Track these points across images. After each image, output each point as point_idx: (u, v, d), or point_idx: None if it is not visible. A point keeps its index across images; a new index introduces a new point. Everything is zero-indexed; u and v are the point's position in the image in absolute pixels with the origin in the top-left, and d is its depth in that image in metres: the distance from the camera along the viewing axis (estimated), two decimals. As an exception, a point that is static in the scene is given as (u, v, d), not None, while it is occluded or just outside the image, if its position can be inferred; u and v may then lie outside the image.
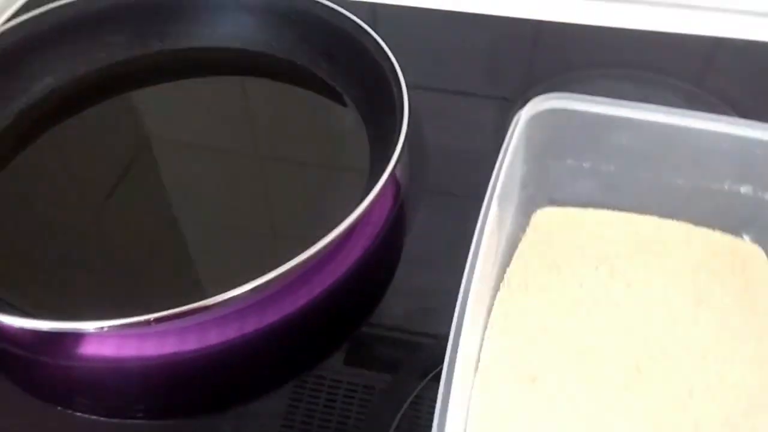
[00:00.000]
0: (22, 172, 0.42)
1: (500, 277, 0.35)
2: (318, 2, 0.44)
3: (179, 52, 0.48)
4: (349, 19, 0.43)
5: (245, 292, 0.30)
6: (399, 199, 0.41)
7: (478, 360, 0.31)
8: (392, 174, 0.35)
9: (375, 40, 0.41)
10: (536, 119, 0.34)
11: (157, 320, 0.29)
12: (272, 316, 0.35)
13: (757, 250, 0.35)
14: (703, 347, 0.31)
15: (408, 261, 0.39)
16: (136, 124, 0.46)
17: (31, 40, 0.44)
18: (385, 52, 0.40)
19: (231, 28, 0.47)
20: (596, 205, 0.38)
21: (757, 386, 0.29)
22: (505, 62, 0.50)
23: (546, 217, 0.38)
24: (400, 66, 0.39)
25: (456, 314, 0.28)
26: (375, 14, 0.53)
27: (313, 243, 0.31)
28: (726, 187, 0.35)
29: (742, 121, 0.33)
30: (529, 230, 0.37)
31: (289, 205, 0.40)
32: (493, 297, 0.34)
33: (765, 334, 0.31)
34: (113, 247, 0.39)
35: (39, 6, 0.45)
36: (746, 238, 0.35)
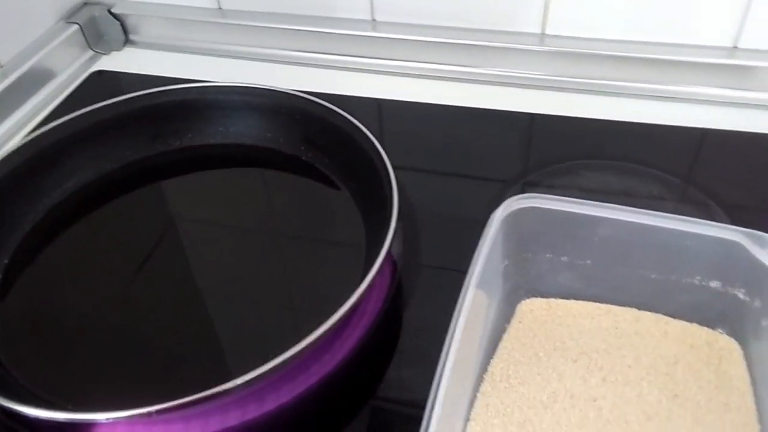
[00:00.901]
0: (51, 261, 0.46)
1: (484, 368, 0.36)
2: (318, 102, 0.48)
3: (196, 148, 0.52)
4: (343, 116, 0.47)
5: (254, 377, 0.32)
6: (396, 275, 0.43)
7: (459, 452, 0.33)
8: (389, 252, 0.37)
9: (365, 134, 0.45)
10: (512, 217, 0.37)
11: (159, 412, 0.32)
12: (280, 398, 0.37)
13: (732, 344, 0.36)
14: (674, 442, 0.32)
15: (409, 331, 0.40)
16: (160, 213, 0.50)
17: (61, 143, 0.48)
18: (373, 143, 0.44)
19: (242, 128, 0.52)
20: (578, 296, 0.40)
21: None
22: (499, 152, 0.53)
23: (529, 307, 0.40)
24: (392, 154, 0.43)
25: (429, 403, 0.29)
26: (380, 110, 0.57)
27: (323, 321, 0.34)
28: (696, 282, 0.36)
29: (706, 222, 0.35)
30: (513, 320, 0.39)
31: (298, 282, 0.43)
32: (476, 387, 0.35)
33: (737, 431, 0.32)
34: (123, 338, 0.42)
35: (68, 112, 0.49)
36: (721, 331, 0.37)
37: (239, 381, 0.33)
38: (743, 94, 0.54)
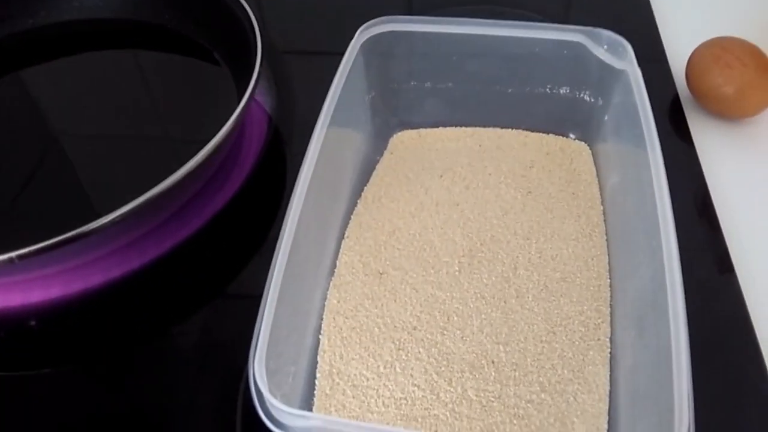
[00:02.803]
0: None
1: (358, 196, 0.38)
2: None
3: (51, 27, 0.49)
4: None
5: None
6: (271, 127, 0.43)
7: (334, 266, 0.34)
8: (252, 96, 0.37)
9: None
10: (370, 44, 0.37)
11: (21, 257, 0.31)
12: (159, 248, 0.37)
13: (582, 146, 0.39)
14: (528, 229, 0.35)
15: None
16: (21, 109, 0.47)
17: None
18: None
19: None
20: (446, 123, 0.41)
21: (571, 257, 0.33)
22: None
23: (400, 139, 0.41)
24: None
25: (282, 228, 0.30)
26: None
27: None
28: (548, 90, 0.38)
29: (550, 25, 0.36)
30: (385, 153, 0.40)
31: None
32: (351, 210, 0.37)
33: (583, 214, 0.35)
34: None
35: None
36: (573, 137, 0.39)
37: (103, 220, 0.32)
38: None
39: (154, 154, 0.43)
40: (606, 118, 0.37)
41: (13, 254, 0.31)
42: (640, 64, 0.34)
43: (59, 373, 0.34)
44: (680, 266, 0.26)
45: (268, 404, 0.24)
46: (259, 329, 0.26)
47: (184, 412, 0.31)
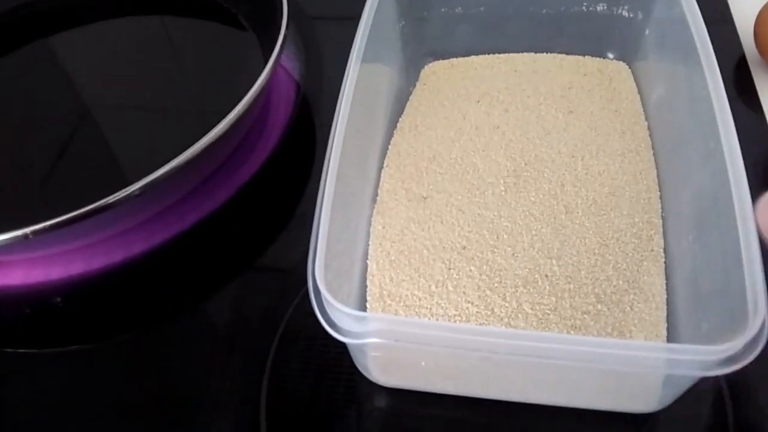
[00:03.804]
0: None
1: (394, 127, 0.37)
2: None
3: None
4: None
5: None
6: (299, 94, 0.42)
7: (376, 194, 0.34)
8: (277, 63, 0.35)
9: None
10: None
11: (36, 233, 0.29)
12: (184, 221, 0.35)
13: (621, 65, 0.38)
14: (572, 147, 0.34)
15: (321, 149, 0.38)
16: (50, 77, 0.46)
17: None
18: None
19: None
20: (478, 51, 0.40)
21: (619, 172, 0.33)
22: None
23: (432, 70, 0.40)
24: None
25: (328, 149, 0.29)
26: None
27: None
28: (584, 8, 0.37)
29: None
30: (418, 84, 0.40)
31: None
32: (387, 142, 0.36)
33: (627, 131, 0.34)
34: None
35: None
36: (611, 56, 0.38)
37: (123, 193, 0.30)
38: None
39: (179, 122, 0.42)
40: (647, 32, 0.36)
41: (27, 230, 0.29)
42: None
43: (87, 350, 0.33)
44: (741, 159, 0.25)
45: (328, 308, 0.23)
46: (315, 243, 0.25)
47: (211, 391, 0.30)
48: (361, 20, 0.33)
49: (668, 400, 0.26)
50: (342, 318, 0.23)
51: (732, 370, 0.21)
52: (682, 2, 0.32)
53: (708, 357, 0.21)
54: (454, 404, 0.28)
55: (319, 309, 0.24)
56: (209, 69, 0.44)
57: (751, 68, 0.40)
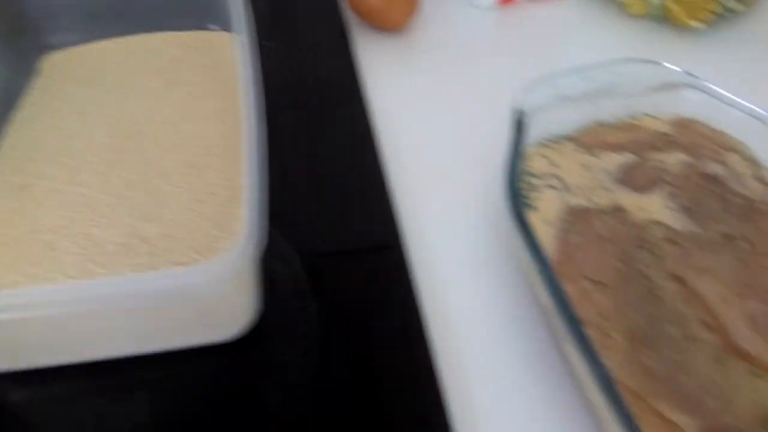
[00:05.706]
0: None
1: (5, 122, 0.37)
2: None
3: None
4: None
5: None
6: None
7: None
8: None
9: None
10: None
11: None
12: None
13: (225, 36, 0.42)
14: (170, 115, 0.37)
15: None
16: None
17: None
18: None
19: None
20: (96, 39, 0.41)
21: (213, 135, 0.36)
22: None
23: (51, 62, 0.41)
24: None
25: None
26: None
27: None
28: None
29: None
30: (34, 77, 0.40)
31: None
32: (-3, 139, 0.36)
33: (224, 96, 0.38)
34: None
35: None
36: (214, 28, 0.42)
37: None
38: None
39: None
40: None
41: None
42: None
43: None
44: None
45: None
46: None
47: None
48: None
49: (241, 326, 0.30)
50: None
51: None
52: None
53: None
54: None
55: None
56: None
57: (349, 27, 0.47)
